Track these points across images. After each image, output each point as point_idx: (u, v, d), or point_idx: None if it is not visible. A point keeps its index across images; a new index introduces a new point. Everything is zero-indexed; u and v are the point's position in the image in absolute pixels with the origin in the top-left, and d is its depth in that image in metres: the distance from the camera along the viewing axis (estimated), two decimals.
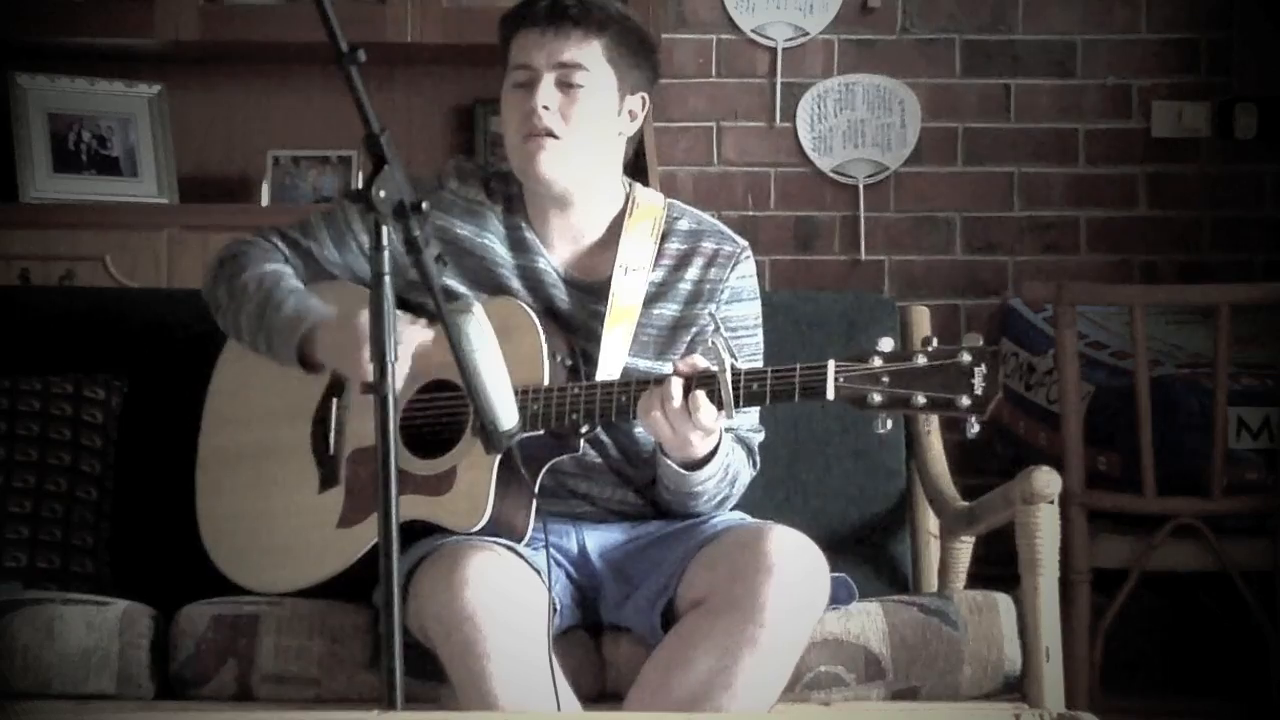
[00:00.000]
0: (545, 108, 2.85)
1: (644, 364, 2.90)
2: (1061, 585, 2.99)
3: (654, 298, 2.92)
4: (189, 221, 4.54)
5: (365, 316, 2.46)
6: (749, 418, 2.96)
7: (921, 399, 2.60)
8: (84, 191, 4.65)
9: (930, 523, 3.40)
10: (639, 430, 2.88)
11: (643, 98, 2.95)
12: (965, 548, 3.34)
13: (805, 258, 4.93)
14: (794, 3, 4.94)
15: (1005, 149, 4.96)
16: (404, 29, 4.60)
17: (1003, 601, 2.96)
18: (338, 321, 2.81)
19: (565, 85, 2.86)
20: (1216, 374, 3.97)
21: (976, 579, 3.30)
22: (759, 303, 3.00)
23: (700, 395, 2.67)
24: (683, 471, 2.80)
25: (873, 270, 4.94)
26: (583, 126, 2.87)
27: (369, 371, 2.43)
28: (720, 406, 2.68)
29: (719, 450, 2.80)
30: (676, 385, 2.68)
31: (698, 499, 2.86)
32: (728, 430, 2.91)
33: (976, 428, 2.58)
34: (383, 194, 2.33)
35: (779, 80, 4.94)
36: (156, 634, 2.90)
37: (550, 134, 2.85)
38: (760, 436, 2.99)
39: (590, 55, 2.87)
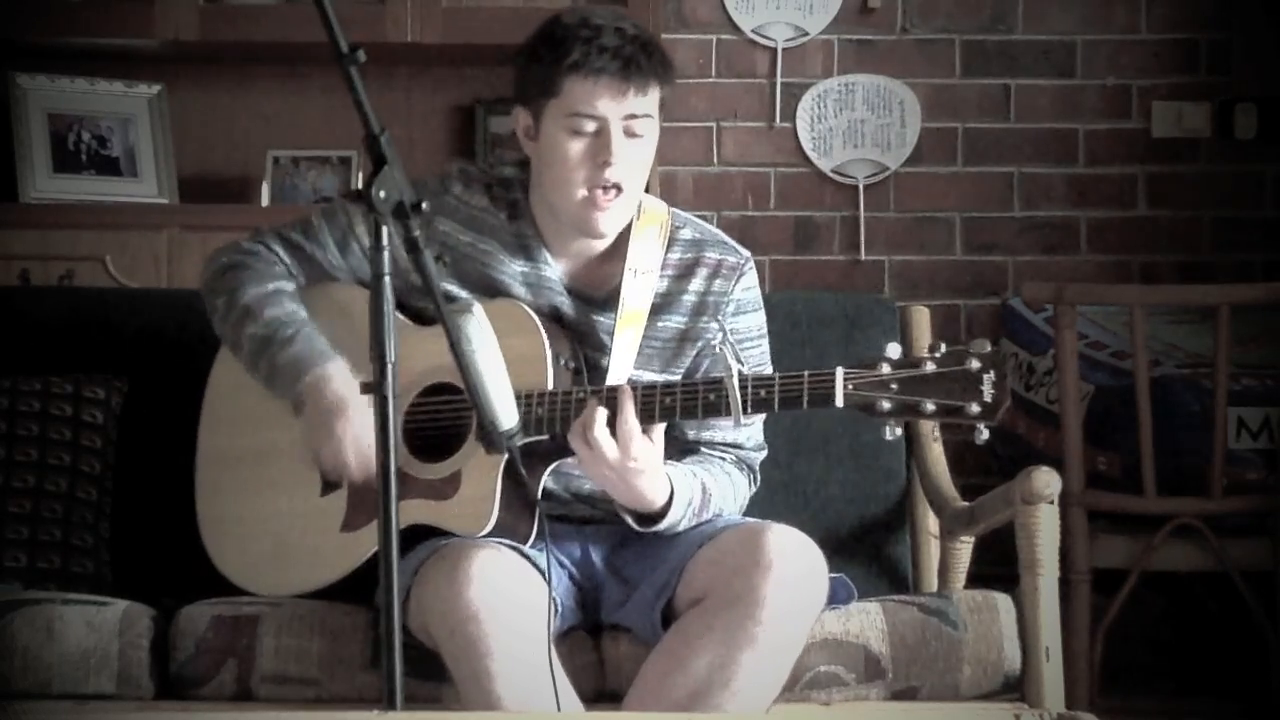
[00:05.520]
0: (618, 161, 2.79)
1: (649, 377, 2.88)
2: (1061, 585, 2.98)
3: (658, 309, 2.91)
4: (189, 221, 4.54)
5: (355, 415, 2.79)
6: (754, 434, 2.94)
7: (930, 406, 2.60)
8: (84, 191, 4.64)
9: (930, 523, 3.40)
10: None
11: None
12: (965, 548, 3.34)
13: (805, 258, 4.92)
14: (794, 3, 4.93)
15: (1005, 149, 4.95)
16: (404, 29, 4.59)
17: (1003, 601, 2.96)
18: (326, 406, 2.82)
19: (630, 134, 2.80)
20: (1216, 374, 3.97)
21: (976, 579, 3.30)
22: (763, 312, 2.98)
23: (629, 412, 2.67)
24: (639, 529, 2.80)
25: (873, 270, 4.94)
26: (642, 173, 2.85)
27: (342, 468, 2.81)
28: (728, 413, 2.68)
29: (675, 500, 2.77)
30: (601, 412, 2.68)
31: (664, 535, 2.83)
32: (734, 446, 2.91)
33: (986, 434, 2.58)
34: (383, 194, 2.33)
35: (779, 80, 4.94)
36: (156, 634, 2.90)
37: (618, 188, 2.80)
38: (763, 454, 2.98)
39: (653, 103, 2.81)
